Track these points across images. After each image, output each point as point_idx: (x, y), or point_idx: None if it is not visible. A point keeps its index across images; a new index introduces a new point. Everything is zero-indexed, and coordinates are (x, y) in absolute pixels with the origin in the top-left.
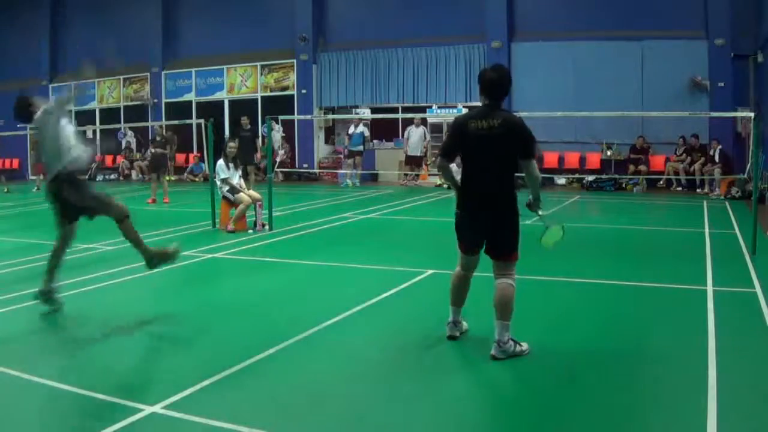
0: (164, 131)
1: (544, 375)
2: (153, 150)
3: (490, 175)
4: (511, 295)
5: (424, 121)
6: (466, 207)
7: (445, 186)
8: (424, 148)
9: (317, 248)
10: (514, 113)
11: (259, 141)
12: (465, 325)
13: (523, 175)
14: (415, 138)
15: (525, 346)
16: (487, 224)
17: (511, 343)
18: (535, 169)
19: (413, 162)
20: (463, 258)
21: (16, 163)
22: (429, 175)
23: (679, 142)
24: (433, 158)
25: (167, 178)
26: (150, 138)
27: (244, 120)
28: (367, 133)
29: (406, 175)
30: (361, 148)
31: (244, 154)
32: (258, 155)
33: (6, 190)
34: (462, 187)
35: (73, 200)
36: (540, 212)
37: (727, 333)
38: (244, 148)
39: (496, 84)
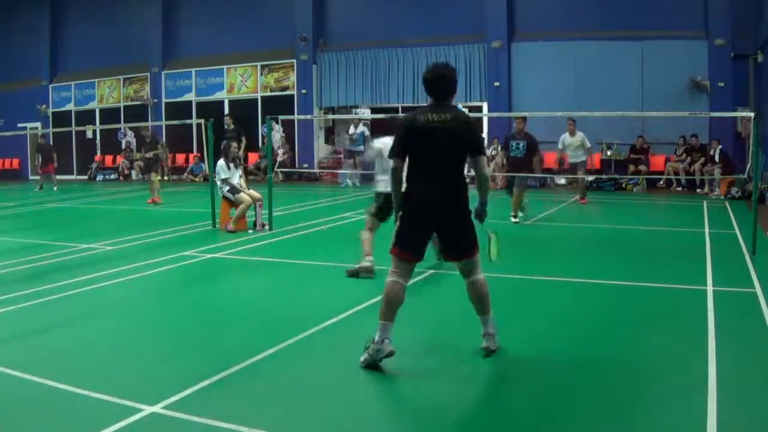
0: (150, 133)
1: (544, 375)
2: (144, 153)
3: (442, 175)
4: (486, 288)
5: None
6: (415, 212)
7: None
8: None
9: (317, 248)
10: (517, 111)
11: (243, 141)
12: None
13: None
14: None
15: None
16: (440, 228)
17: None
18: (485, 167)
19: None
20: (403, 266)
21: (16, 163)
22: None
23: (679, 142)
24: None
25: (157, 178)
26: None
27: (227, 120)
28: (367, 133)
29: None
30: (361, 148)
31: None
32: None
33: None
34: (409, 191)
35: None
36: (484, 223)
37: (727, 333)
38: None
39: (433, 83)
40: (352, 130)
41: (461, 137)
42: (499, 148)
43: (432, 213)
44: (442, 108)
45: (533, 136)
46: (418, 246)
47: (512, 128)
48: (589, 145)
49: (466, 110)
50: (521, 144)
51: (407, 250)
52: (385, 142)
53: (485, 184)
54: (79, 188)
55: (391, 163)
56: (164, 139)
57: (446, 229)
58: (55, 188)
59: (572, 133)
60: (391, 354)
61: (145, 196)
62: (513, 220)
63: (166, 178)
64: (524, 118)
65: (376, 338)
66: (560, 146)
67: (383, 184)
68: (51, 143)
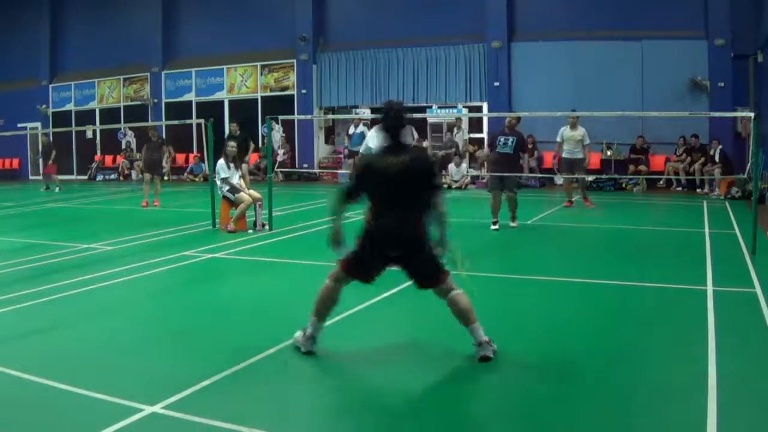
0: (153, 133)
1: (544, 375)
2: (151, 154)
3: (403, 214)
4: (465, 301)
5: (410, 120)
6: (373, 242)
7: (444, 186)
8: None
9: (317, 248)
10: (517, 111)
11: (252, 145)
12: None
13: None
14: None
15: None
16: (401, 260)
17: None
18: (443, 204)
19: None
20: (347, 279)
21: (16, 163)
22: None
23: (679, 142)
24: (433, 158)
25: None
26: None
27: (234, 127)
28: (367, 133)
29: None
30: (359, 148)
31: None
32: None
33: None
34: (372, 222)
35: None
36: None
37: (727, 333)
38: (151, 158)
39: (393, 125)
40: (352, 129)
41: (420, 177)
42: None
43: (391, 245)
44: (398, 149)
45: (522, 135)
46: (369, 273)
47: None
48: (588, 141)
49: (465, 110)
50: (510, 139)
51: (356, 273)
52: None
53: (444, 219)
54: (79, 188)
55: None
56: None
57: (407, 260)
58: (58, 189)
59: (573, 126)
60: (309, 353)
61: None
62: (493, 227)
63: (166, 178)
64: (518, 118)
65: (307, 332)
66: (558, 139)
67: None
68: (51, 142)
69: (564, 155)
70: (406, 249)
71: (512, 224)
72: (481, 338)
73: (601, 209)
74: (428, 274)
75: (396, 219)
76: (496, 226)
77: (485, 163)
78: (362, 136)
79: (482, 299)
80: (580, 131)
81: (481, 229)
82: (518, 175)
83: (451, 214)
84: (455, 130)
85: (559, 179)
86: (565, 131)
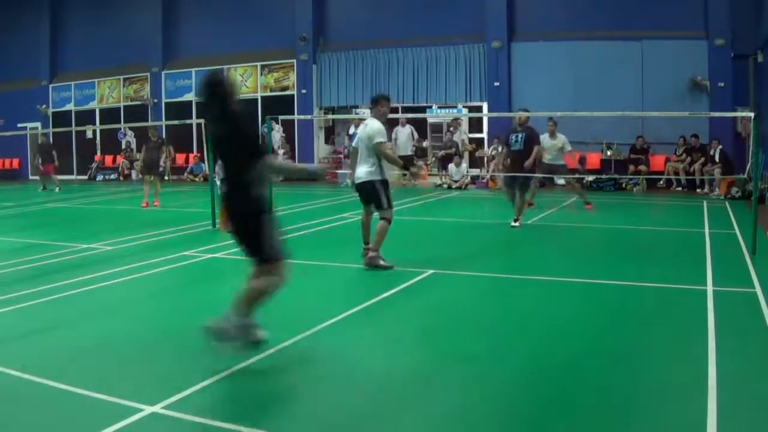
0: (153, 133)
1: (543, 374)
2: (150, 155)
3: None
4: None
5: (410, 120)
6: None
7: (444, 186)
8: (414, 146)
9: (317, 248)
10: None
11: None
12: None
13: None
14: (403, 138)
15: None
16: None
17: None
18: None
19: (405, 162)
20: None
21: (16, 163)
22: (428, 174)
23: (679, 142)
24: (433, 158)
25: (159, 181)
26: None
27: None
28: None
29: (404, 175)
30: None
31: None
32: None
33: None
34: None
35: None
36: None
37: (727, 333)
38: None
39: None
40: (352, 129)
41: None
42: (500, 148)
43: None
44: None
45: (534, 129)
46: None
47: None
48: (569, 148)
49: (465, 110)
50: (520, 136)
51: None
52: (367, 130)
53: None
54: (79, 188)
55: (367, 150)
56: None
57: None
58: (57, 189)
59: (552, 135)
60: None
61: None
62: (513, 223)
63: (166, 178)
64: (527, 117)
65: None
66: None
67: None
68: (51, 142)
69: (545, 161)
70: (234, 214)
71: (513, 224)
72: (241, 322)
73: (601, 209)
74: (250, 250)
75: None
76: (516, 224)
77: (501, 164)
78: None
79: (482, 299)
80: (561, 139)
81: (481, 229)
82: (528, 175)
83: (451, 214)
84: (453, 129)
85: (559, 179)
86: (545, 140)
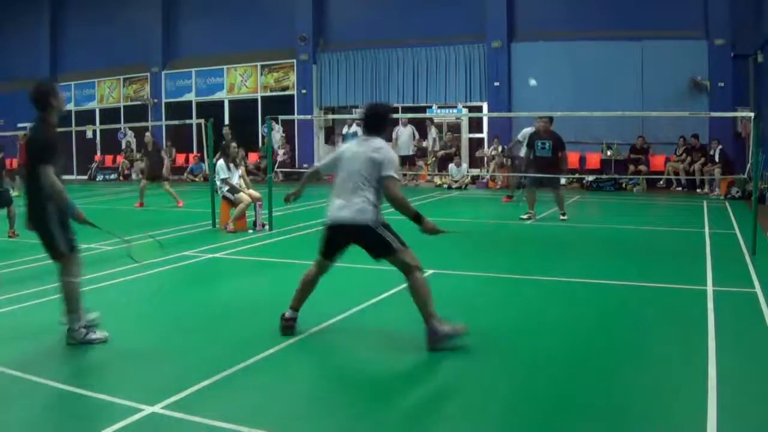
0: (149, 140)
1: (543, 375)
2: (146, 162)
3: None
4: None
5: (411, 120)
6: None
7: (445, 186)
8: (414, 146)
9: (317, 248)
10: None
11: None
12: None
13: None
14: (405, 138)
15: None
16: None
17: (83, 331)
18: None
19: (406, 162)
20: None
21: (15, 163)
22: (428, 175)
23: (679, 142)
24: (433, 158)
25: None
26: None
27: (226, 129)
28: (360, 133)
29: (404, 175)
30: None
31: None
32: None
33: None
34: None
35: None
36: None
37: (727, 333)
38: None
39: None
40: (345, 129)
41: None
42: (500, 148)
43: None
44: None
45: (559, 135)
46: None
47: (513, 128)
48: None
49: (465, 110)
50: (547, 143)
51: None
52: (373, 153)
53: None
54: (79, 188)
55: (363, 179)
56: (164, 139)
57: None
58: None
59: (546, 132)
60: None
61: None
62: (562, 217)
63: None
64: (551, 119)
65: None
66: (520, 138)
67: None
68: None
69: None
70: None
71: (562, 217)
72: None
73: (600, 209)
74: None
75: None
76: (526, 216)
77: (503, 163)
78: (356, 135)
79: (482, 299)
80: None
81: (481, 229)
82: (558, 176)
83: (451, 214)
84: (434, 129)
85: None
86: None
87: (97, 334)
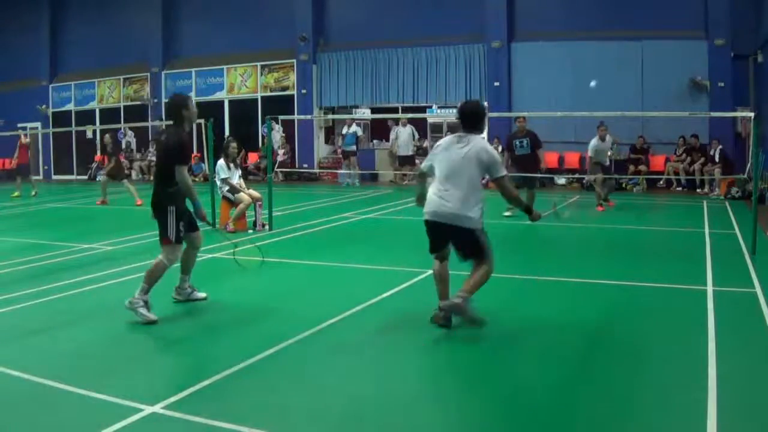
0: (110, 142)
1: (544, 375)
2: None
3: None
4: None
5: (411, 120)
6: None
7: None
8: (414, 146)
9: (317, 248)
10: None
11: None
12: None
13: None
14: (404, 137)
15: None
16: None
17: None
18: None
19: (406, 162)
20: None
21: (16, 163)
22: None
23: (679, 142)
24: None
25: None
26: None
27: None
28: (360, 133)
29: (404, 175)
30: (354, 148)
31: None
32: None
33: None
34: None
35: None
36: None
37: (727, 333)
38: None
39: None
40: (345, 129)
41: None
42: (499, 149)
43: None
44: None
45: (535, 133)
46: None
47: (512, 128)
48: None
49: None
50: (525, 141)
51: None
52: (479, 152)
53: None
54: (79, 188)
55: (470, 182)
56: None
57: None
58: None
59: (603, 139)
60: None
61: (145, 196)
62: (506, 213)
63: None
64: (524, 118)
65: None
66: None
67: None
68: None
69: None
70: None
71: (507, 213)
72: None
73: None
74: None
75: None
76: (509, 212)
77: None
78: (355, 135)
79: (482, 299)
80: (609, 141)
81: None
82: (536, 176)
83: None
84: (399, 126)
85: (559, 179)
86: (598, 144)
87: (151, 315)
